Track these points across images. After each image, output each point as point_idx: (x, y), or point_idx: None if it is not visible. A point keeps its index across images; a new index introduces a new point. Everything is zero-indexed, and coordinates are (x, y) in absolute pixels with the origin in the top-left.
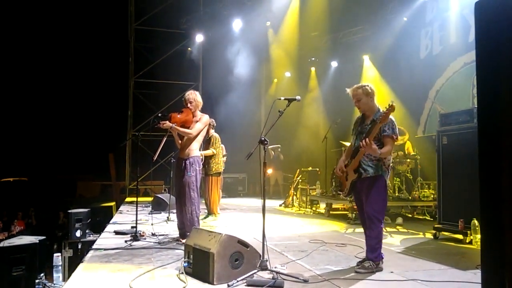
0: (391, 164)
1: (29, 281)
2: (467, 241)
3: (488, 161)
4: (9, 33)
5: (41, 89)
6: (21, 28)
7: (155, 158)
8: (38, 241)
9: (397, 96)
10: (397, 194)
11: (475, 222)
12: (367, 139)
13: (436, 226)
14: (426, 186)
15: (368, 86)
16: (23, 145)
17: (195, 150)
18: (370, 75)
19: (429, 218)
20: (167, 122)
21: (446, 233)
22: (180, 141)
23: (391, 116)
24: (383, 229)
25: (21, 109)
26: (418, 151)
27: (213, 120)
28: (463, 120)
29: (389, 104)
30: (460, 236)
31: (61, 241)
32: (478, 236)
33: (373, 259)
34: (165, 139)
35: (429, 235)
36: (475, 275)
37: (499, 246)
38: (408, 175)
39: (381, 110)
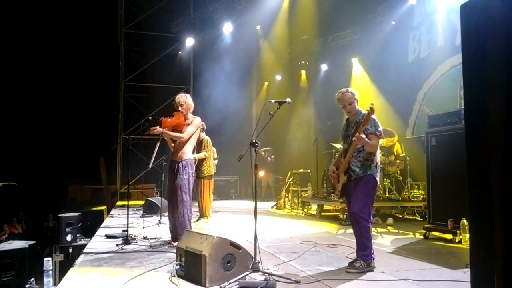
0: (380, 165)
1: (19, 286)
2: (456, 240)
3: (476, 161)
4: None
5: (30, 93)
6: (11, 32)
7: (150, 166)
8: (28, 246)
9: (386, 98)
10: (387, 195)
11: (464, 221)
12: (357, 134)
13: (426, 226)
14: (416, 186)
15: (353, 90)
16: (13, 149)
17: (188, 153)
18: (359, 78)
19: (419, 218)
20: (157, 127)
21: (436, 233)
22: (172, 144)
23: (373, 116)
24: (374, 229)
25: (10, 112)
26: (407, 152)
27: (204, 123)
28: (451, 121)
29: (369, 107)
30: (449, 236)
31: (51, 243)
32: (467, 235)
33: (363, 258)
34: (158, 144)
35: (419, 235)
36: (465, 274)
37: (488, 245)
38: (398, 176)
39: (363, 112)
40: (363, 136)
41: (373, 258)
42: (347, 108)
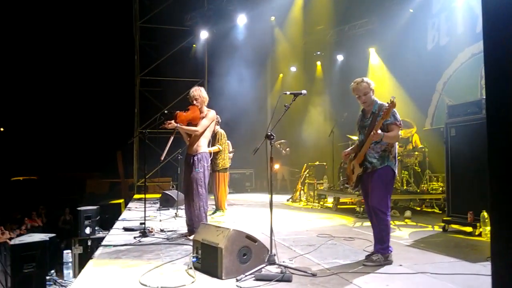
0: (398, 157)
1: (39, 277)
2: (476, 233)
3: (498, 152)
4: (18, 35)
5: (48, 89)
6: (28, 30)
7: (162, 158)
8: (48, 239)
9: (404, 88)
10: (405, 187)
11: (485, 214)
12: (374, 131)
13: (445, 218)
14: (435, 178)
15: (369, 80)
16: (33, 144)
17: (203, 146)
18: (376, 68)
19: (437, 211)
20: (172, 122)
21: (455, 226)
22: (188, 138)
23: None
24: (391, 222)
25: (30, 109)
26: (426, 144)
27: (218, 117)
28: (471, 111)
29: (390, 100)
30: (469, 229)
31: (67, 236)
32: (488, 228)
33: (381, 251)
34: (172, 137)
35: (438, 228)
36: (485, 267)
37: (509, 238)
38: (416, 168)
39: (379, 102)
40: (380, 132)
41: (391, 252)
42: (362, 99)
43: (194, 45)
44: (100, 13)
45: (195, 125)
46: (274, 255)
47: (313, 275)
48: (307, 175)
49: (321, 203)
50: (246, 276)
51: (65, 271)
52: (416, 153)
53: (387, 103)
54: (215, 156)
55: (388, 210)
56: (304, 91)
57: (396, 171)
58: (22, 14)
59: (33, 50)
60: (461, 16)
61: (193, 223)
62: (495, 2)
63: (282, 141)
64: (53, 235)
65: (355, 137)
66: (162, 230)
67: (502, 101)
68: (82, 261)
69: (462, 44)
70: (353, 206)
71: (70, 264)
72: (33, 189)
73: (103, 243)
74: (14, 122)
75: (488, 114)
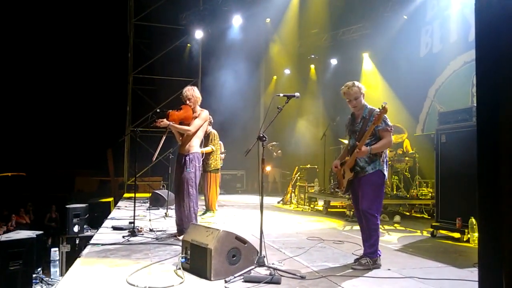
0: (389, 162)
1: (26, 275)
2: (464, 239)
3: (487, 159)
4: (9, 28)
5: (40, 84)
6: (20, 24)
7: (154, 159)
8: (35, 236)
9: (396, 94)
10: (395, 192)
11: (473, 220)
12: (357, 150)
13: (433, 224)
14: (424, 184)
15: (360, 84)
16: (22, 140)
17: (195, 146)
18: (369, 73)
19: (426, 216)
20: (164, 120)
21: (443, 231)
22: (180, 138)
23: None
24: (381, 226)
25: (20, 104)
26: (416, 149)
27: (210, 117)
28: (462, 118)
29: (382, 106)
30: (457, 235)
31: (53, 234)
32: (476, 234)
33: (370, 255)
34: (164, 137)
35: (426, 233)
36: (472, 273)
37: (496, 245)
38: (406, 173)
39: (369, 107)
40: (365, 148)
41: (380, 256)
42: (353, 103)
43: (188, 45)
44: (94, 9)
45: (188, 125)
46: (264, 257)
47: (302, 277)
48: (298, 177)
49: (312, 206)
50: (235, 277)
51: (52, 269)
52: (407, 158)
53: (379, 108)
54: (207, 156)
55: (378, 214)
56: (297, 94)
57: (387, 175)
58: (15, 10)
59: (24, 45)
60: (455, 25)
61: (183, 223)
62: (488, 12)
63: (274, 143)
64: (41, 232)
65: (346, 141)
66: (151, 230)
67: (492, 109)
68: (69, 259)
69: (455, 52)
70: (343, 210)
71: (57, 262)
72: (21, 186)
73: (91, 241)
74: (3, 117)
75: (478, 121)
